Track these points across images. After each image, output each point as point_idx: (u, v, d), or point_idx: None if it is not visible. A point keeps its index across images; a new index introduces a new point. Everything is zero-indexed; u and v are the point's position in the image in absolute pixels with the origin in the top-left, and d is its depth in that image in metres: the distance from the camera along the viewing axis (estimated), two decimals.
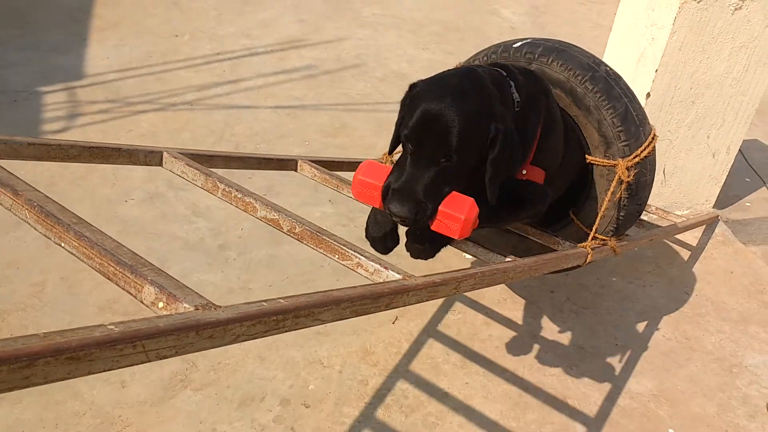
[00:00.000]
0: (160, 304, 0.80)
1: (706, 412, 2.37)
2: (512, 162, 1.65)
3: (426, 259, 1.69)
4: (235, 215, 2.98)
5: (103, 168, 3.14)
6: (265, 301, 0.86)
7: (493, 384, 2.37)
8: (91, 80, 3.93)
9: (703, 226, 3.36)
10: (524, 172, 1.83)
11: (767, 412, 2.40)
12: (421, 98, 1.54)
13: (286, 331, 0.87)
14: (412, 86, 1.63)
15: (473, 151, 1.55)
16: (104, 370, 0.65)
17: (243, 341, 0.81)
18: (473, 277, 1.32)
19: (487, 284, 1.39)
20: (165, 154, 1.43)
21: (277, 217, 1.34)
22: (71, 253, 0.87)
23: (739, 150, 3.32)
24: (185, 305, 0.79)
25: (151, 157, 1.41)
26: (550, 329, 2.65)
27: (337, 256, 1.25)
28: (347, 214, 3.11)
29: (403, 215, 1.47)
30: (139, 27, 4.65)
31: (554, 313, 2.73)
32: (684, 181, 3.26)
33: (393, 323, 2.56)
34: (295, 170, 1.96)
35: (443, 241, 1.66)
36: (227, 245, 2.82)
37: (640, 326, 2.74)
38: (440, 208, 1.49)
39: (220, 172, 1.55)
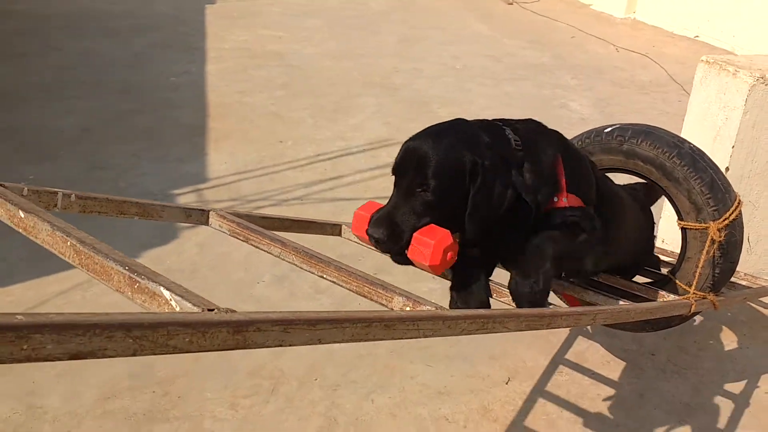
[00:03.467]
0: (407, 308, 1.13)
1: None
2: (496, 199, 1.67)
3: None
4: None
5: (235, 255, 3.58)
6: (474, 311, 1.18)
7: None
8: (214, 183, 4.48)
9: None
10: (565, 200, 1.88)
11: None
12: (406, 141, 1.73)
13: (487, 332, 1.19)
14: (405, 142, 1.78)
15: (450, 183, 1.64)
16: (395, 338, 0.98)
17: (464, 334, 1.13)
18: (605, 312, 1.61)
19: (614, 320, 1.67)
20: (344, 226, 1.81)
21: None
22: (332, 282, 1.22)
23: None
24: (427, 307, 1.12)
25: (334, 229, 1.79)
26: (655, 388, 2.82)
27: (494, 294, 1.57)
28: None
29: (377, 236, 1.57)
30: (248, 136, 5.28)
31: (657, 374, 2.91)
32: None
33: (506, 384, 2.80)
34: None
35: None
36: None
37: (742, 384, 2.87)
38: (415, 234, 1.58)
39: None
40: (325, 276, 1.23)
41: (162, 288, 0.78)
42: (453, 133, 1.71)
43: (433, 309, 1.11)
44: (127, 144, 4.98)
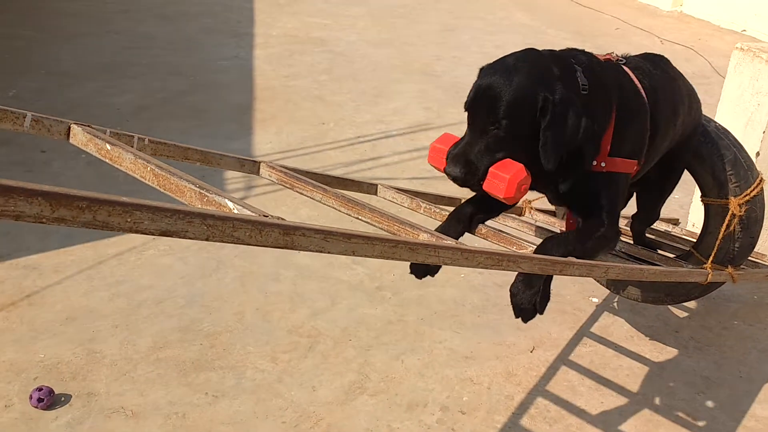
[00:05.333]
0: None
1: None
2: (570, 129, 1.73)
3: (530, 317, 1.80)
4: (388, 263, 3.50)
5: None
6: (486, 247, 1.33)
7: (626, 405, 2.67)
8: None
9: None
10: (603, 164, 1.88)
11: None
12: (478, 77, 1.80)
13: (502, 269, 1.33)
14: (481, 69, 1.85)
15: (522, 120, 1.71)
16: (418, 261, 1.14)
17: (480, 268, 1.28)
18: (618, 268, 1.73)
19: (628, 276, 1.80)
20: (379, 186, 1.98)
21: None
22: (366, 222, 1.39)
23: None
24: (448, 242, 1.27)
25: (370, 188, 1.96)
26: (676, 362, 2.92)
27: (514, 246, 1.71)
28: None
29: (454, 174, 1.70)
30: (293, 117, 5.49)
31: (680, 349, 3.00)
32: None
33: (531, 352, 2.93)
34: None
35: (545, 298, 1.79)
36: (383, 287, 3.33)
37: (763, 362, 2.94)
38: (491, 169, 1.69)
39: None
40: (360, 217, 1.40)
41: (227, 200, 0.96)
42: (525, 68, 1.76)
43: (454, 242, 1.26)
44: (179, 122, 5.24)
